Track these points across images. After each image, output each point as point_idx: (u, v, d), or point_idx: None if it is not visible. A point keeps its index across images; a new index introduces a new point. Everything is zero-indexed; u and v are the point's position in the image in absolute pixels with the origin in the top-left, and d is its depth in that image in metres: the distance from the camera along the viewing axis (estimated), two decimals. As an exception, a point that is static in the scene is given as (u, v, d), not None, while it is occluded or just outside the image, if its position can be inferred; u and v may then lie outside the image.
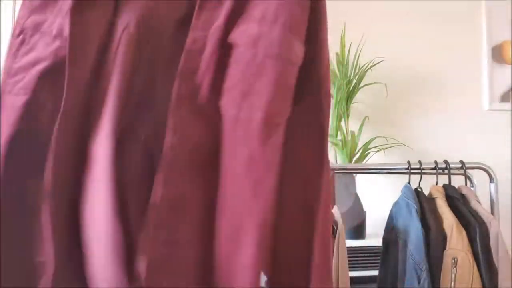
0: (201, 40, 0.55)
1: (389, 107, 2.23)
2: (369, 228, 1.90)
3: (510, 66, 2.37)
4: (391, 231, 1.24)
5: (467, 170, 1.35)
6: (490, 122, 2.33)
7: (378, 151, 2.05)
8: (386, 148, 2.06)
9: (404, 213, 1.22)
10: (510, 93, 2.37)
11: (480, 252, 1.15)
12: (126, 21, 0.56)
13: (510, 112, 2.34)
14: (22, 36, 0.57)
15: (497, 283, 1.15)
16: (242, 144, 0.51)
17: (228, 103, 0.53)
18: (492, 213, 1.34)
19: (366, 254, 1.63)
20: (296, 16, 0.56)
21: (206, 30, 0.55)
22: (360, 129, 2.06)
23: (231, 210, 0.50)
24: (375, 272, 1.29)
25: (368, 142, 2.02)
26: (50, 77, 0.55)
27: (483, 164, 1.36)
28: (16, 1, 1.71)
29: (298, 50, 0.56)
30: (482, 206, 1.26)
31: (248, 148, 0.50)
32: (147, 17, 0.57)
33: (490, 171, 1.36)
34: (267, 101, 0.51)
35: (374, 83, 2.07)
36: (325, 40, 0.64)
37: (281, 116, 0.53)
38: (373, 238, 1.69)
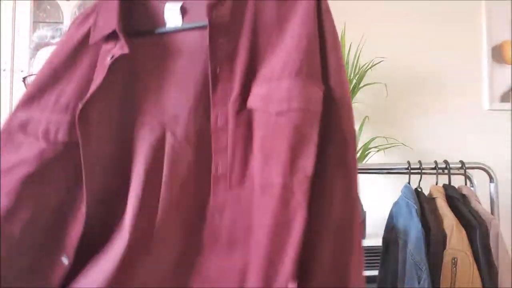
0: (223, 116, 0.56)
1: (389, 107, 2.23)
2: (369, 228, 1.89)
3: (510, 66, 2.37)
4: (391, 231, 1.24)
5: (467, 170, 1.35)
6: (490, 122, 2.33)
7: (378, 151, 2.04)
8: (386, 148, 2.06)
9: (404, 213, 1.21)
10: (510, 93, 2.37)
11: (480, 252, 1.15)
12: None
13: (510, 112, 2.34)
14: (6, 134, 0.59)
15: (497, 283, 1.15)
16: (268, 210, 0.51)
17: (255, 171, 0.54)
18: (492, 213, 1.34)
19: (366, 254, 1.62)
20: (305, 57, 0.54)
21: (226, 104, 0.56)
22: (360, 129, 2.06)
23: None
24: (375, 272, 1.28)
25: (368, 142, 2.02)
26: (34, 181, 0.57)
27: (483, 164, 1.36)
28: (16, 1, 1.71)
29: (314, 93, 0.54)
30: (482, 206, 1.26)
31: (271, 215, 0.51)
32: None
33: (490, 171, 1.36)
34: (283, 163, 0.52)
35: (374, 83, 2.07)
36: (341, 77, 0.59)
37: (300, 173, 0.52)
38: (373, 238, 1.69)
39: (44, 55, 0.93)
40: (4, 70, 1.68)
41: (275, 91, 0.54)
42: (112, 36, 0.59)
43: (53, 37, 0.93)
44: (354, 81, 2.03)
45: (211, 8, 0.57)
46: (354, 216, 0.54)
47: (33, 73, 0.93)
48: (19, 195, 0.57)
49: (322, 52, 0.56)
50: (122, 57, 0.57)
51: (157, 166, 0.58)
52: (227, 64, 0.57)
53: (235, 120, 0.55)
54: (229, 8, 0.58)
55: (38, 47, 0.94)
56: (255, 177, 0.54)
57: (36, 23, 1.84)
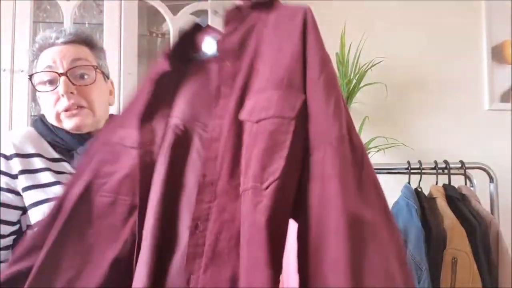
0: (218, 127, 0.62)
1: (389, 107, 2.23)
2: (369, 228, 1.89)
3: (510, 66, 2.37)
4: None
5: (467, 170, 1.35)
6: (490, 122, 2.33)
7: (378, 151, 2.04)
8: (386, 148, 2.06)
9: (404, 213, 1.21)
10: (510, 93, 2.37)
11: (480, 251, 1.15)
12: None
13: (510, 112, 2.34)
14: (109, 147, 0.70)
15: (497, 282, 1.15)
16: (248, 215, 0.53)
17: (242, 177, 0.56)
18: (492, 212, 1.34)
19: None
20: (286, 69, 0.59)
21: (223, 118, 0.62)
22: (360, 129, 2.05)
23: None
24: (375, 272, 1.28)
25: (368, 142, 2.02)
26: (128, 180, 0.67)
27: (482, 164, 1.36)
28: (16, 1, 1.71)
29: (292, 101, 0.57)
30: (482, 206, 1.26)
31: (249, 219, 0.53)
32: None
33: (489, 171, 1.36)
34: (255, 168, 0.54)
35: (374, 83, 2.07)
36: (327, 82, 0.60)
37: (270, 179, 0.53)
38: (373, 238, 1.69)
39: (49, 56, 0.92)
40: (4, 70, 1.68)
41: (258, 102, 0.59)
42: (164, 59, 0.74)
43: (57, 38, 0.92)
44: (354, 81, 2.03)
45: (224, 36, 0.68)
46: (326, 222, 0.52)
47: (37, 72, 0.93)
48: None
49: (305, 64, 0.60)
50: (167, 73, 0.71)
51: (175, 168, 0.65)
52: (229, 83, 0.64)
53: (227, 131, 0.60)
54: (240, 36, 0.67)
55: (42, 48, 0.93)
56: (243, 183, 0.56)
57: (36, 23, 1.85)
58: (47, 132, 0.93)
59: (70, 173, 0.89)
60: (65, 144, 0.92)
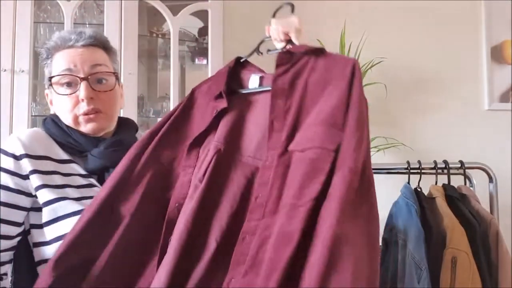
0: (271, 158, 0.71)
1: (389, 107, 2.24)
2: (369, 227, 1.90)
3: (510, 66, 2.37)
4: (391, 231, 1.24)
5: (466, 170, 1.35)
6: (489, 122, 2.33)
7: (378, 151, 2.05)
8: (386, 148, 2.06)
9: (404, 213, 1.22)
10: (510, 93, 2.37)
11: (479, 251, 1.15)
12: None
13: (509, 112, 2.35)
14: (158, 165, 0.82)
15: (497, 282, 1.15)
16: (286, 223, 0.61)
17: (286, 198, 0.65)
18: (492, 212, 1.34)
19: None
20: (333, 110, 0.69)
21: (276, 148, 0.71)
22: (360, 129, 2.06)
23: None
24: (375, 272, 1.29)
25: (368, 142, 2.03)
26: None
27: (482, 164, 1.37)
28: (16, 1, 1.71)
29: (335, 137, 0.67)
30: (481, 206, 1.26)
31: (279, 230, 0.62)
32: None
33: (489, 170, 1.37)
34: (295, 188, 0.63)
35: (374, 83, 2.07)
36: (361, 123, 0.72)
37: (307, 196, 0.62)
38: (373, 237, 1.69)
39: (68, 58, 0.92)
40: (4, 70, 1.68)
41: (305, 135, 0.69)
42: (219, 96, 0.84)
43: (77, 41, 0.93)
44: (354, 81, 2.03)
45: (276, 77, 0.77)
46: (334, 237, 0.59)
47: (54, 74, 0.92)
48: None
49: (348, 107, 0.70)
50: (226, 108, 0.82)
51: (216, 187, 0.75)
52: (281, 118, 0.74)
53: (278, 161, 0.69)
54: (291, 77, 0.77)
55: (58, 48, 0.93)
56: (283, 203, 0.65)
57: (36, 23, 1.85)
58: (60, 133, 0.93)
59: (79, 175, 0.90)
60: (78, 146, 0.93)
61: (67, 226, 0.82)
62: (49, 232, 0.84)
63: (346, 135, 0.67)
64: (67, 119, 0.93)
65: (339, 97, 0.70)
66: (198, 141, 0.81)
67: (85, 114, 0.92)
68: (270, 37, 0.88)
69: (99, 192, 0.81)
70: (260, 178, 0.71)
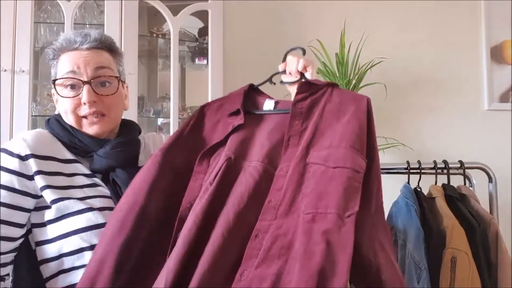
0: (285, 168, 0.81)
1: (389, 107, 2.24)
2: (368, 227, 1.90)
3: (509, 66, 2.37)
4: (391, 230, 1.24)
5: (466, 170, 1.35)
6: (489, 122, 2.34)
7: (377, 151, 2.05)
8: (386, 148, 2.06)
9: (404, 212, 1.22)
10: (510, 93, 2.38)
11: (479, 251, 1.15)
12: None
13: (509, 112, 2.35)
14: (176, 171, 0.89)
15: (496, 282, 1.15)
16: (320, 232, 0.69)
17: (306, 205, 0.73)
18: (491, 212, 1.35)
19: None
20: (357, 137, 0.81)
21: (290, 161, 0.81)
22: (360, 129, 2.06)
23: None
24: (374, 272, 1.29)
25: (368, 142, 2.03)
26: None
27: (482, 164, 1.37)
28: (17, 1, 1.71)
29: (361, 162, 0.78)
30: (481, 206, 1.26)
31: (326, 235, 0.68)
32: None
33: (489, 170, 1.37)
34: (338, 200, 0.72)
35: (374, 83, 2.07)
36: (377, 157, 0.86)
37: (350, 210, 0.71)
38: (373, 237, 1.69)
39: (72, 60, 0.93)
40: (4, 70, 1.69)
41: (334, 154, 0.78)
42: (233, 113, 0.94)
43: (82, 43, 0.93)
44: (354, 81, 2.03)
45: (296, 102, 0.89)
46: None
47: (58, 77, 0.93)
48: None
49: (366, 137, 0.83)
50: (239, 125, 0.91)
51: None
52: (297, 137, 0.85)
53: (293, 170, 0.79)
54: (309, 103, 0.89)
55: (63, 49, 0.94)
56: (304, 208, 0.73)
57: (36, 23, 1.85)
58: (64, 133, 0.93)
59: (83, 174, 0.90)
60: (83, 146, 0.93)
61: (70, 225, 0.83)
62: (52, 230, 0.84)
63: (372, 174, 0.82)
64: (69, 120, 0.94)
65: (361, 127, 0.83)
66: (210, 152, 0.89)
67: (88, 117, 0.93)
68: (282, 71, 0.99)
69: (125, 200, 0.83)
70: (274, 185, 0.80)
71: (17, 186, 0.84)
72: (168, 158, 0.89)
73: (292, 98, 0.92)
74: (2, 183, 0.83)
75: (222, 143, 0.90)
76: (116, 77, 0.97)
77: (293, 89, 0.97)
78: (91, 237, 0.83)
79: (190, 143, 0.93)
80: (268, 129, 0.91)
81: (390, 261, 0.78)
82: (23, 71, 1.71)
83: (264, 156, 0.85)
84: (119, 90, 0.97)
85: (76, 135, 0.93)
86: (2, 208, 0.82)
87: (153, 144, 1.08)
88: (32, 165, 0.85)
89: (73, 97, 0.92)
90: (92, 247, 0.82)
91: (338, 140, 0.80)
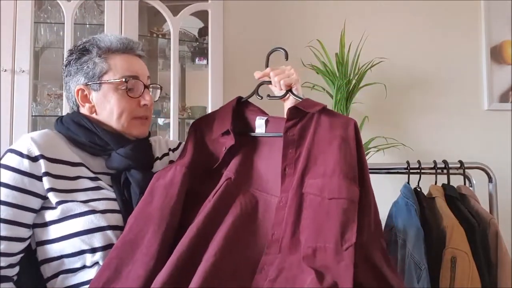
0: (284, 199, 0.84)
1: (388, 107, 2.24)
2: (368, 227, 1.90)
3: (509, 66, 2.37)
4: (391, 230, 1.24)
5: (466, 169, 1.35)
6: (489, 122, 2.34)
7: (377, 151, 2.05)
8: (386, 148, 2.07)
9: (404, 212, 1.22)
10: (510, 93, 2.38)
11: (479, 251, 1.15)
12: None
13: (509, 112, 2.35)
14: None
15: (496, 282, 1.15)
16: (321, 264, 0.73)
17: (306, 239, 0.77)
18: (491, 212, 1.35)
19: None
20: (349, 166, 0.83)
21: (288, 191, 0.84)
22: (360, 129, 2.06)
23: None
24: (374, 271, 1.29)
25: (368, 142, 2.03)
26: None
27: (481, 164, 1.37)
28: (17, 1, 1.71)
29: (355, 190, 0.81)
30: (481, 206, 1.26)
31: (326, 270, 0.72)
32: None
33: (488, 170, 1.37)
34: (336, 233, 0.75)
35: (374, 83, 2.07)
36: (369, 182, 0.87)
37: (348, 243, 0.74)
38: (373, 237, 1.70)
39: (131, 64, 0.96)
40: (4, 70, 1.69)
41: (328, 184, 0.80)
42: (225, 133, 0.96)
43: (132, 48, 0.97)
44: (354, 81, 2.03)
45: (287, 129, 0.90)
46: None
47: (121, 77, 0.94)
48: None
49: (357, 164, 0.84)
50: (233, 145, 0.94)
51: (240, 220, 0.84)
52: (292, 165, 0.87)
53: (291, 202, 0.82)
54: (299, 129, 0.90)
55: (114, 50, 0.95)
56: (304, 242, 0.76)
57: (37, 23, 1.85)
58: (83, 132, 0.94)
59: (87, 177, 0.90)
60: (103, 144, 0.94)
61: (72, 226, 0.83)
62: (55, 231, 0.84)
63: (364, 202, 0.83)
64: (122, 120, 0.95)
65: (352, 155, 0.85)
66: (208, 174, 0.94)
67: (140, 118, 0.97)
68: (267, 82, 1.00)
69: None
70: (275, 218, 0.83)
71: (28, 187, 0.84)
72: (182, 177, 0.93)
73: (285, 113, 0.96)
74: (13, 184, 0.83)
75: (222, 164, 0.94)
76: (160, 86, 1.07)
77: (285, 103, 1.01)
78: (92, 240, 0.83)
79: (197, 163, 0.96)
80: (264, 155, 0.94)
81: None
82: (23, 71, 1.71)
83: (263, 183, 0.90)
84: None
85: (98, 133, 0.94)
86: (14, 209, 0.82)
87: (158, 147, 1.08)
88: (42, 166, 0.85)
89: (136, 98, 0.95)
90: (92, 250, 0.82)
91: (331, 168, 0.82)
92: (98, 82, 0.94)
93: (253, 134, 0.98)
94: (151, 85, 1.01)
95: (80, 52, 0.96)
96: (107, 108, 0.95)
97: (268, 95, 1.00)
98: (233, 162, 0.93)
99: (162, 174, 0.92)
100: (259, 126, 0.98)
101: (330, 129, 0.88)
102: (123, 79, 0.94)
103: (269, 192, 0.88)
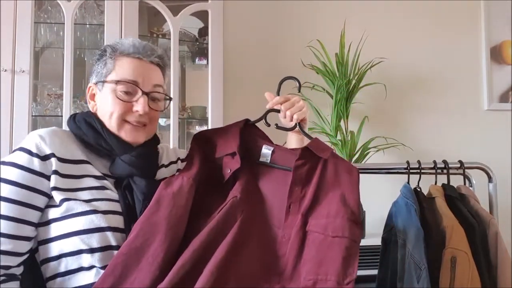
0: (287, 235, 0.89)
1: (388, 107, 2.24)
2: (368, 227, 1.90)
3: (509, 66, 2.37)
4: (390, 230, 1.24)
5: (466, 169, 1.35)
6: (489, 122, 2.34)
7: (377, 151, 2.05)
8: (386, 148, 2.07)
9: (404, 212, 1.22)
10: (510, 93, 2.38)
11: (479, 251, 1.15)
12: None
13: (509, 112, 2.35)
14: None
15: (496, 282, 1.15)
16: None
17: (307, 271, 0.81)
18: (491, 212, 1.35)
19: (365, 254, 1.64)
20: (353, 210, 0.89)
21: (291, 228, 0.89)
22: (360, 129, 2.06)
23: None
24: (374, 272, 1.29)
25: (368, 142, 2.03)
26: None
27: (481, 164, 1.37)
28: (17, 1, 1.71)
29: (358, 232, 0.87)
30: (481, 206, 1.26)
31: None
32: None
33: (488, 170, 1.37)
34: (338, 267, 0.80)
35: (374, 83, 2.08)
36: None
37: (349, 277, 0.80)
38: (373, 237, 1.70)
39: (135, 69, 0.95)
40: (4, 70, 1.69)
41: (332, 223, 0.87)
42: (231, 154, 0.98)
43: (148, 56, 0.96)
44: (354, 81, 2.03)
45: (296, 168, 0.95)
46: None
47: (119, 79, 0.93)
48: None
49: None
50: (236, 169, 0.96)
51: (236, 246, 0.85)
52: (297, 204, 0.92)
53: (294, 238, 0.87)
54: (307, 169, 0.95)
55: (124, 53, 0.95)
56: (305, 274, 0.81)
57: (37, 23, 1.85)
58: (91, 134, 0.94)
59: (92, 176, 0.90)
60: (108, 148, 0.94)
61: (72, 225, 0.83)
62: (55, 229, 0.84)
63: None
64: (112, 122, 0.94)
65: (356, 200, 0.91)
66: (214, 196, 0.96)
67: (133, 123, 0.95)
68: (275, 110, 1.04)
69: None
70: (278, 251, 0.88)
71: (36, 186, 0.84)
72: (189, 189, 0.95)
73: (287, 140, 1.04)
74: (23, 182, 0.83)
75: (224, 182, 0.97)
76: (169, 97, 1.03)
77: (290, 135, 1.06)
78: (91, 240, 0.82)
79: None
80: (269, 182, 0.98)
81: None
82: (23, 71, 1.71)
83: (266, 209, 0.94)
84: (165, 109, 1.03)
85: (105, 137, 0.93)
86: (24, 208, 0.82)
87: (166, 155, 1.08)
88: (53, 164, 0.85)
89: (127, 101, 0.94)
90: (91, 250, 0.82)
91: (336, 210, 0.88)
92: (102, 81, 0.95)
93: (258, 162, 1.01)
94: (152, 94, 0.97)
95: (101, 52, 0.98)
96: (102, 108, 0.96)
97: (276, 125, 1.03)
98: (238, 183, 0.95)
99: (169, 183, 0.92)
100: (265, 155, 1.01)
101: (336, 175, 0.95)
102: (115, 82, 0.94)
103: (271, 221, 0.93)
